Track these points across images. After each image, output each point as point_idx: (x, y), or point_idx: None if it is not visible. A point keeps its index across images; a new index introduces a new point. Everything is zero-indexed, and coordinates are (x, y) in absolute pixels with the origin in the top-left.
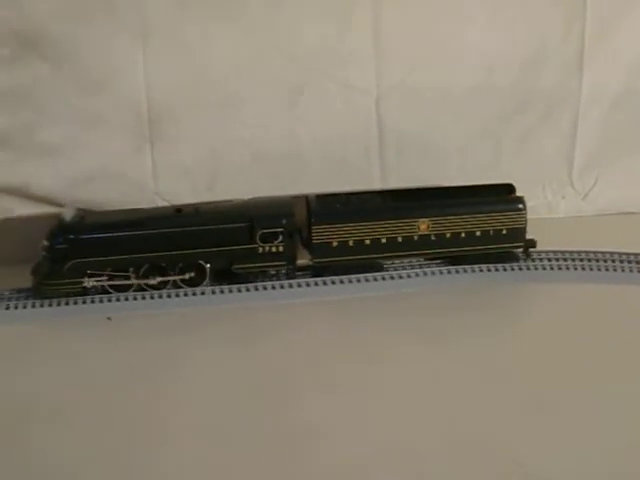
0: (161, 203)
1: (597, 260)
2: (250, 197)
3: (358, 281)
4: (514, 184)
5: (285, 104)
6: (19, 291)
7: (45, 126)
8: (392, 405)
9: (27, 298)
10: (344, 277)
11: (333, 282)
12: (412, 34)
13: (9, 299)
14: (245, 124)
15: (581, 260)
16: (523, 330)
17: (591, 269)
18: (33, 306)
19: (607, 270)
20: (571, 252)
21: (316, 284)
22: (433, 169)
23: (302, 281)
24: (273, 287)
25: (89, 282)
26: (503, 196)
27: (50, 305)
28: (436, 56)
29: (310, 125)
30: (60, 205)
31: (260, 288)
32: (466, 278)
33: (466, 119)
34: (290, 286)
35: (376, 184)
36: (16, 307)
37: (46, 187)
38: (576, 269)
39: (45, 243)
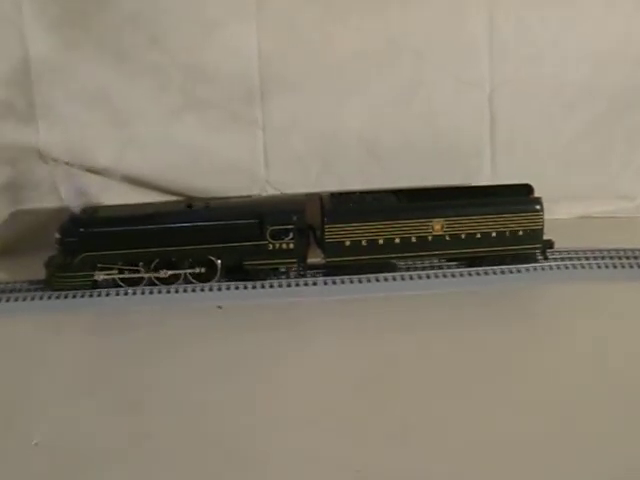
0: (271, 192)
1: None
2: (362, 188)
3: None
4: (622, 183)
5: (399, 96)
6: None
7: (157, 114)
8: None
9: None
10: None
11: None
12: (525, 28)
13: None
14: (358, 115)
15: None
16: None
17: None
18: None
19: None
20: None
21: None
22: (542, 165)
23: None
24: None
25: (99, 275)
26: (520, 197)
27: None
28: (549, 51)
29: (423, 118)
30: (170, 193)
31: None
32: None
33: (576, 115)
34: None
35: (486, 179)
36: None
37: (156, 175)
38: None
39: (57, 236)
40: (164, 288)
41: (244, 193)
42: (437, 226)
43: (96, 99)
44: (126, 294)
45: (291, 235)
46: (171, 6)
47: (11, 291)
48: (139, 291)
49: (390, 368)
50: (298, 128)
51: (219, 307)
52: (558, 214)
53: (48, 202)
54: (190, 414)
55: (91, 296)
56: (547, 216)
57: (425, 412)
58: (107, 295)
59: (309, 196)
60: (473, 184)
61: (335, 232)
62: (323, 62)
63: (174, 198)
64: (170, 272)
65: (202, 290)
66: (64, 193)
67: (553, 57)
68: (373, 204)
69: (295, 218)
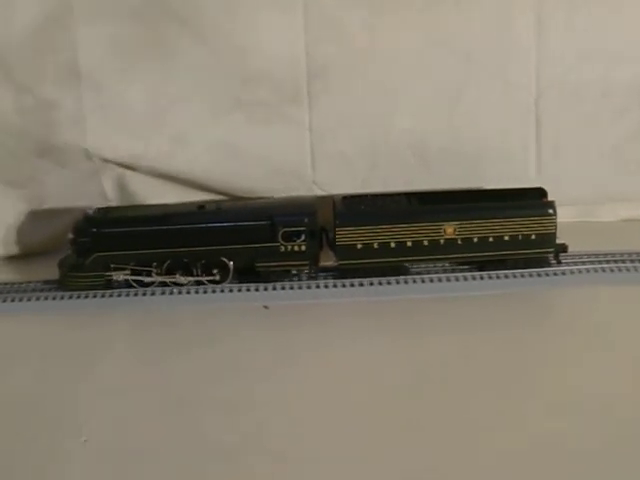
0: (318, 192)
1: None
2: (408, 189)
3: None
4: None
5: (446, 98)
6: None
7: (204, 114)
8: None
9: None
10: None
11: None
12: (573, 30)
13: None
14: (405, 116)
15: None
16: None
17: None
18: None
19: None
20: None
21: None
22: (588, 168)
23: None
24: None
25: (118, 275)
26: (533, 200)
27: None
28: (597, 52)
29: (469, 120)
30: (216, 193)
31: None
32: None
33: (624, 117)
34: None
35: (532, 182)
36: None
37: (203, 175)
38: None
39: (70, 236)
40: (208, 288)
41: (291, 194)
42: (449, 229)
43: (143, 99)
44: (166, 293)
45: (303, 237)
46: (218, 5)
47: (41, 290)
48: (176, 291)
49: (441, 370)
50: (345, 129)
51: (265, 307)
52: (603, 217)
53: (95, 201)
54: (235, 411)
55: (129, 295)
56: (593, 219)
57: (462, 412)
58: (152, 294)
59: (322, 198)
60: (518, 186)
61: (346, 235)
62: (370, 63)
63: (220, 198)
64: (185, 278)
65: (240, 291)
66: (111, 192)
67: (601, 59)
68: (385, 207)
69: (307, 220)
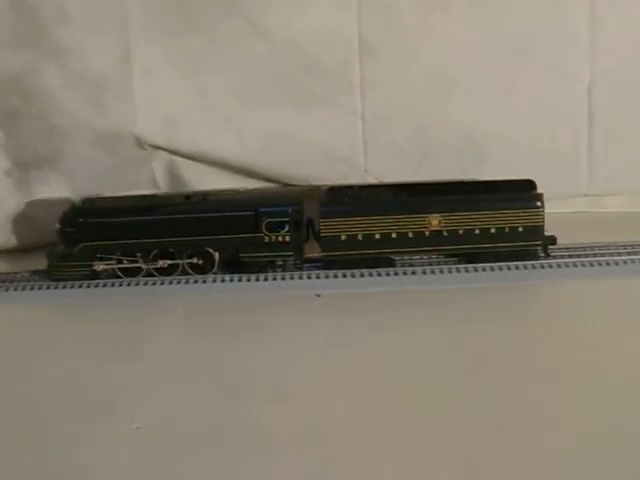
0: (370, 180)
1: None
2: (460, 179)
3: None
4: None
5: (498, 88)
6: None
7: (255, 102)
8: None
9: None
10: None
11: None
12: (628, 20)
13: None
14: (457, 106)
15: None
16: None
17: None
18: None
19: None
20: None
21: None
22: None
23: None
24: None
25: (99, 266)
26: (520, 193)
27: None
28: None
29: (521, 111)
30: (267, 180)
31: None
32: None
33: None
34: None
35: (583, 175)
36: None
37: (254, 162)
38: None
39: (57, 226)
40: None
41: (343, 182)
42: (434, 221)
43: (194, 86)
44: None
45: (287, 228)
46: None
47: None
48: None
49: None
50: (397, 118)
51: (317, 295)
52: None
53: (145, 188)
54: (287, 399)
55: (175, 283)
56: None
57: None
58: (195, 282)
59: (311, 189)
60: (569, 177)
61: (330, 226)
62: (423, 52)
63: (271, 185)
64: (169, 263)
65: (292, 278)
66: (161, 179)
67: None
68: (369, 198)
69: (291, 211)
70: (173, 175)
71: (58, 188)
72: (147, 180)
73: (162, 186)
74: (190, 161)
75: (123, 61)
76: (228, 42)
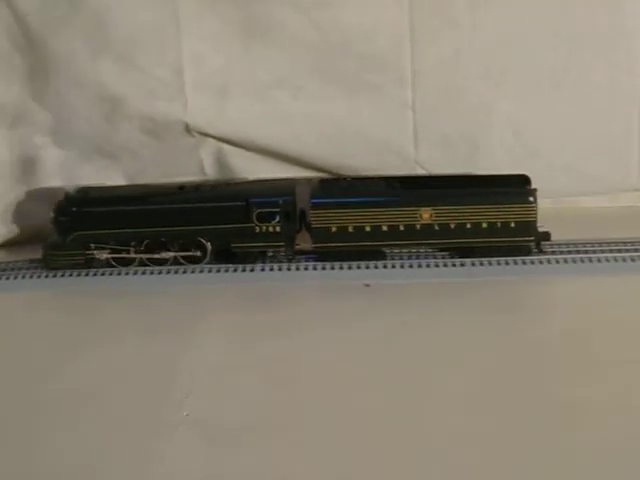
0: (420, 171)
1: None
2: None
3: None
4: None
5: (550, 80)
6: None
7: (307, 91)
8: None
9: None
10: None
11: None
12: None
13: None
14: (507, 97)
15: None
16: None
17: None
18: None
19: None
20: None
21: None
22: None
23: None
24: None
25: (101, 254)
26: (513, 188)
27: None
28: None
29: (573, 103)
30: (317, 170)
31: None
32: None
33: None
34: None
35: (634, 169)
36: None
37: (304, 151)
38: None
39: (51, 215)
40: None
41: (393, 172)
42: (425, 215)
43: (244, 74)
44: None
45: (277, 218)
46: None
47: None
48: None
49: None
50: (448, 110)
51: (366, 285)
52: None
53: (192, 175)
54: (339, 388)
55: (237, 270)
56: None
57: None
58: (252, 270)
59: (306, 181)
60: (620, 172)
61: (321, 217)
62: (474, 43)
63: (321, 175)
64: (164, 254)
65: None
66: (209, 167)
67: None
68: (360, 190)
69: (281, 202)
70: (221, 163)
71: (107, 175)
72: (195, 167)
73: (210, 174)
74: (239, 149)
75: (173, 48)
76: (280, 31)
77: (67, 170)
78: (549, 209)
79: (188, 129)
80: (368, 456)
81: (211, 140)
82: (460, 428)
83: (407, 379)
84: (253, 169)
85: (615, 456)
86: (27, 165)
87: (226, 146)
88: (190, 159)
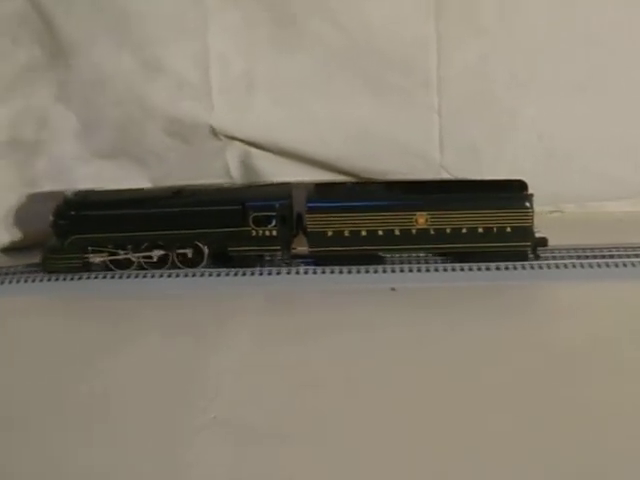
0: (445, 176)
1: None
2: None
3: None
4: None
5: (575, 85)
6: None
7: (332, 94)
8: None
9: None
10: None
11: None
12: None
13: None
14: (534, 102)
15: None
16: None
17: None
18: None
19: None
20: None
21: None
22: None
23: None
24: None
25: (94, 258)
26: (509, 193)
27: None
28: None
29: (598, 108)
30: (344, 173)
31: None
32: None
33: None
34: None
35: None
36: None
37: (331, 155)
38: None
39: (50, 219)
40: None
41: (418, 177)
42: (421, 219)
43: (271, 77)
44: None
45: (274, 222)
46: None
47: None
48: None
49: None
50: (473, 114)
51: (392, 289)
52: None
53: (218, 179)
54: (367, 394)
55: (260, 274)
56: None
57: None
58: (278, 273)
59: (304, 185)
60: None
61: (317, 221)
62: (501, 48)
63: (347, 179)
64: (159, 254)
65: (369, 272)
66: (235, 170)
67: None
68: (356, 194)
69: (278, 205)
70: (247, 166)
71: (132, 178)
72: (221, 171)
73: (235, 177)
74: (265, 152)
75: (200, 51)
76: (306, 34)
77: (90, 173)
78: (573, 213)
79: (214, 132)
80: (392, 462)
81: (237, 143)
82: (489, 435)
83: (432, 384)
84: (279, 172)
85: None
86: (56, 170)
87: (253, 149)
88: (216, 162)
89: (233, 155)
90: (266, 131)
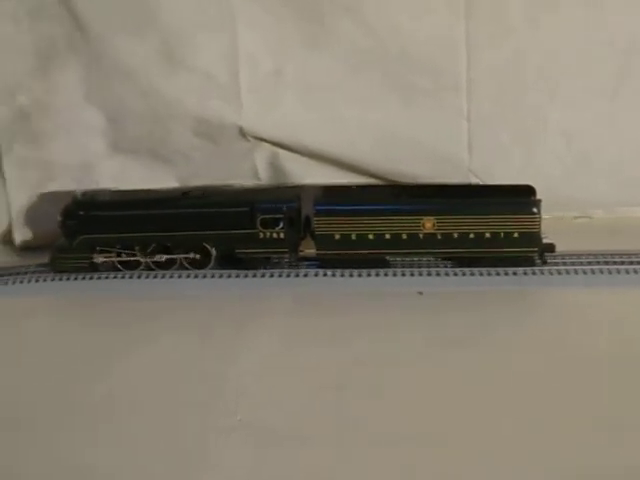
0: (474, 180)
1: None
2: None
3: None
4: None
5: (605, 91)
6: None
7: (362, 97)
8: None
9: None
10: None
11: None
12: None
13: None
14: (563, 106)
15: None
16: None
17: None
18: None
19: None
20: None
21: None
22: None
23: None
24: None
25: (98, 258)
26: (517, 198)
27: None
28: None
29: (627, 112)
30: (373, 177)
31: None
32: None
33: None
34: None
35: None
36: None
37: (360, 158)
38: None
39: (59, 219)
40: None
41: (447, 181)
42: (428, 224)
43: (300, 78)
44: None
45: (281, 225)
46: None
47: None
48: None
49: None
50: (502, 118)
51: (420, 293)
52: None
53: (246, 180)
54: (393, 398)
55: (288, 276)
56: None
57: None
58: (305, 275)
59: (313, 188)
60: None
61: (324, 225)
62: (530, 52)
63: (375, 181)
64: (166, 257)
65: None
66: (263, 171)
67: None
68: (363, 198)
69: (285, 208)
70: (275, 168)
71: (159, 178)
72: (249, 172)
73: (263, 178)
74: (293, 154)
75: (229, 51)
76: (335, 35)
77: (119, 173)
78: (601, 219)
79: (243, 133)
80: (415, 464)
81: (265, 144)
82: (518, 441)
83: (457, 389)
84: (307, 174)
85: None
86: (82, 168)
87: (281, 151)
88: (244, 163)
89: (261, 156)
90: (294, 132)
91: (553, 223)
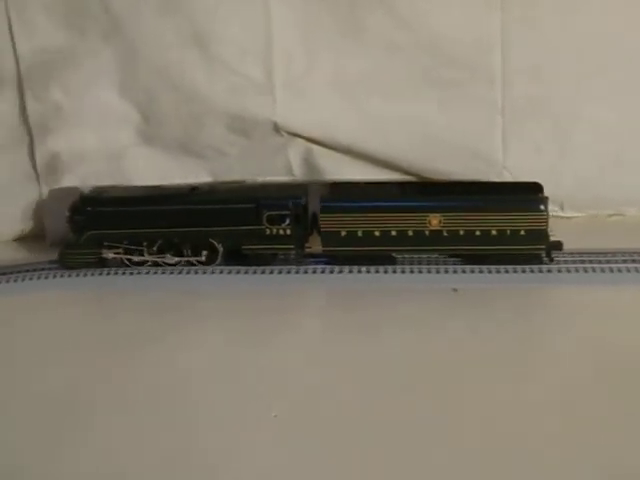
0: (508, 178)
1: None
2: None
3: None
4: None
5: (637, 87)
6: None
7: (397, 94)
8: None
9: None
10: None
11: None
12: None
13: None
14: (597, 102)
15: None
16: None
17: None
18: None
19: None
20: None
21: None
22: None
23: None
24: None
25: (107, 254)
26: (523, 195)
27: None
28: None
29: None
30: (407, 173)
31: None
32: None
33: None
34: None
35: None
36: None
37: (395, 155)
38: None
39: (67, 214)
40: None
41: (481, 178)
42: (434, 221)
43: (334, 74)
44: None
45: (287, 221)
46: None
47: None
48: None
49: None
50: (537, 114)
51: (454, 290)
52: None
53: (279, 175)
54: (429, 392)
55: (322, 272)
56: None
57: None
58: (340, 272)
59: (321, 185)
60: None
61: (330, 221)
62: (564, 48)
63: (410, 179)
64: (177, 258)
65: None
66: (297, 167)
67: None
68: (369, 195)
69: (291, 204)
70: (309, 164)
71: (193, 173)
72: (282, 167)
73: (297, 174)
74: (328, 150)
75: (263, 47)
76: (369, 31)
77: (153, 168)
78: (634, 217)
79: (277, 128)
80: (457, 459)
81: (299, 140)
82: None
83: (489, 384)
84: (341, 171)
85: None
86: (114, 162)
87: (315, 147)
88: (278, 159)
89: (295, 152)
90: (328, 128)
91: (586, 221)
